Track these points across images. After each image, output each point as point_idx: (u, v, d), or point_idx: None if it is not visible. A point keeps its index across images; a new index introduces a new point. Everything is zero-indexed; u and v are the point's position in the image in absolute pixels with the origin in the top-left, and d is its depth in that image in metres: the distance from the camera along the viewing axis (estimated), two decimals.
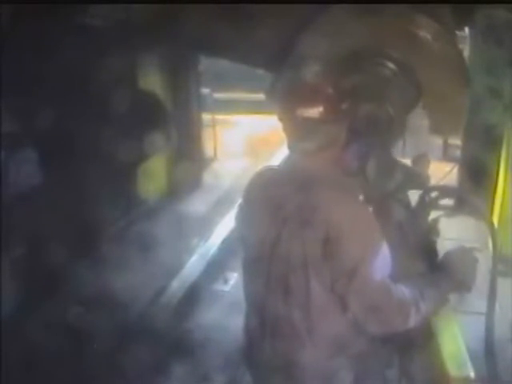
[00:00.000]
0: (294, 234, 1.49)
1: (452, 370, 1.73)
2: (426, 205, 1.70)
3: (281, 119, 1.53)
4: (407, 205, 1.70)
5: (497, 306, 1.68)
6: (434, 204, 1.70)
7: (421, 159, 1.68)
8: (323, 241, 1.42)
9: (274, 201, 1.55)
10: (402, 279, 1.47)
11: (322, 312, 1.50)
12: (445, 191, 1.74)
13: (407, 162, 1.69)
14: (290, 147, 1.55)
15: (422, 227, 1.67)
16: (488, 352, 1.65)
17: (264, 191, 1.61)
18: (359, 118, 1.48)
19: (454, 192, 1.86)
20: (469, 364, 1.76)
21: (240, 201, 1.70)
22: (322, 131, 1.45)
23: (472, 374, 1.74)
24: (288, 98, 1.51)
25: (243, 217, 1.70)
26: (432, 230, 1.68)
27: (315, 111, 1.43)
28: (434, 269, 1.61)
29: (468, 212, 1.71)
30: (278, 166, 1.66)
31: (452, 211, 1.70)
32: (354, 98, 1.48)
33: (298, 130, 1.49)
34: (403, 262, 1.54)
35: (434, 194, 1.70)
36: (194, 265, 4.12)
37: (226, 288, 3.99)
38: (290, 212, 1.50)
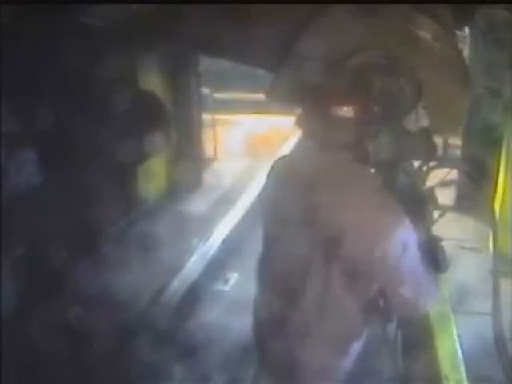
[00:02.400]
0: (301, 234, 1.49)
1: (446, 371, 1.74)
2: (423, 173, 1.71)
3: (306, 113, 1.54)
4: (409, 173, 1.71)
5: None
6: (431, 172, 1.72)
7: (425, 131, 1.67)
8: (335, 240, 1.42)
9: (293, 195, 1.55)
10: None
11: (329, 311, 1.50)
12: (444, 161, 1.76)
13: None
14: (312, 142, 1.56)
15: (418, 195, 1.68)
16: (500, 352, 1.66)
17: (283, 183, 1.62)
18: (372, 89, 1.49)
19: (454, 163, 1.87)
20: (463, 366, 1.77)
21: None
22: (352, 130, 1.46)
23: (465, 376, 1.75)
24: (323, 95, 1.51)
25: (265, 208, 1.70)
26: (428, 198, 1.69)
27: (350, 111, 1.45)
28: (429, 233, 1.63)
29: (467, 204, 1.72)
30: (298, 157, 1.67)
31: (452, 209, 1.70)
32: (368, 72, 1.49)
33: (327, 126, 1.49)
34: None
35: (432, 164, 1.71)
36: (194, 265, 4.12)
37: (226, 288, 4.00)
38: (300, 210, 1.50)
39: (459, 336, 1.86)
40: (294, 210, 1.52)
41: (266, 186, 1.70)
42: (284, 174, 1.64)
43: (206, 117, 6.26)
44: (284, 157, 1.74)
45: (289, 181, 1.60)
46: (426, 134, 1.63)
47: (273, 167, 1.70)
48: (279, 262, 1.58)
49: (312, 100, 1.53)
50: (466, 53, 4.35)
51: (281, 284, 1.58)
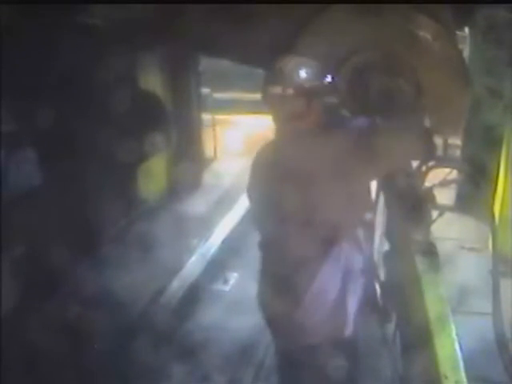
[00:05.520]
0: (293, 231, 1.49)
1: (445, 370, 1.73)
2: (422, 173, 1.72)
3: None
4: (408, 173, 1.72)
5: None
6: (430, 172, 1.74)
7: (425, 131, 1.68)
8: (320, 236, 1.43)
9: (272, 195, 1.56)
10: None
11: (323, 307, 1.51)
12: (444, 161, 1.77)
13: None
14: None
15: (417, 194, 1.69)
16: (502, 351, 1.66)
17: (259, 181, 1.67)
18: (372, 90, 1.50)
19: (454, 163, 1.88)
20: (462, 367, 1.77)
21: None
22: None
23: (464, 376, 1.75)
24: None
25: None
26: (427, 197, 1.69)
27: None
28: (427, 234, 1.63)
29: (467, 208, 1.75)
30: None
31: (452, 210, 1.71)
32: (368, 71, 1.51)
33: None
34: (400, 226, 1.56)
35: (431, 164, 1.72)
36: (193, 265, 4.12)
37: (226, 288, 4.00)
38: (288, 209, 1.51)
39: (458, 335, 1.86)
40: (265, 192, 1.59)
41: (249, 178, 1.76)
42: (257, 162, 1.75)
43: (206, 117, 6.26)
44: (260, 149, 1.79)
45: (260, 167, 1.68)
46: (426, 134, 1.64)
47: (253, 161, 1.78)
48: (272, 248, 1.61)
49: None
50: (466, 53, 4.35)
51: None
